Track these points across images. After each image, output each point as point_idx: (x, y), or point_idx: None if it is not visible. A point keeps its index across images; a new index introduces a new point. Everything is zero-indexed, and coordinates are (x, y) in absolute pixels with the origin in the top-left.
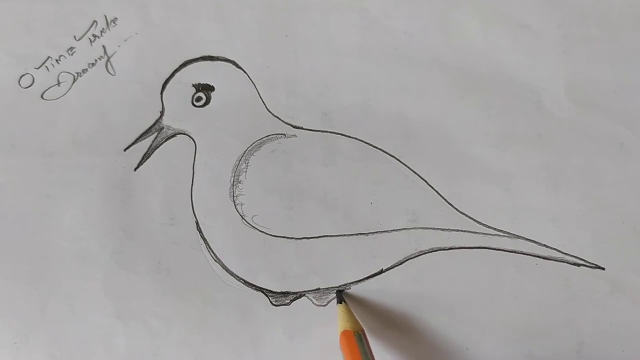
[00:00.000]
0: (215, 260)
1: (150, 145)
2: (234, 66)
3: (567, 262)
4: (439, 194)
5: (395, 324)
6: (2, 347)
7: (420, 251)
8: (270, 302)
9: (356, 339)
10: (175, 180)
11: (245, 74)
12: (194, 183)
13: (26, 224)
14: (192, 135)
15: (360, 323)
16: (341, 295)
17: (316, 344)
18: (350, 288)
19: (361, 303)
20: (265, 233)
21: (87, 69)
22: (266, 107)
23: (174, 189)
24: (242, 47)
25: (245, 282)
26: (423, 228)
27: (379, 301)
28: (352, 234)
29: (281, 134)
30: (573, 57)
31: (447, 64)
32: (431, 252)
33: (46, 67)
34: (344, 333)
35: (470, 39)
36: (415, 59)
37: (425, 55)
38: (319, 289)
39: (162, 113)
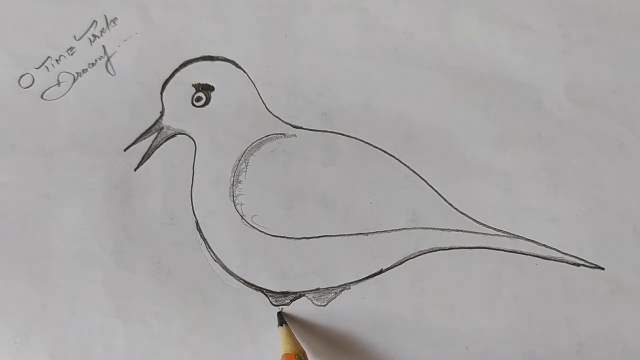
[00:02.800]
0: (216, 261)
1: (151, 146)
2: (234, 66)
3: (567, 262)
4: (439, 194)
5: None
6: (3, 347)
7: (420, 251)
8: (270, 302)
9: None
10: (176, 181)
11: (245, 74)
12: (194, 183)
13: (26, 224)
14: (192, 136)
15: (302, 345)
16: (282, 317)
17: (316, 344)
18: (350, 288)
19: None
20: (265, 233)
21: (87, 69)
22: (266, 107)
23: (174, 189)
24: (242, 47)
25: (245, 282)
26: (423, 228)
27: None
28: (352, 234)
29: (281, 134)
30: (573, 57)
31: (447, 64)
32: (431, 252)
33: (46, 67)
34: (285, 357)
35: (470, 39)
36: (415, 59)
37: (425, 56)
38: (319, 289)
39: (162, 113)
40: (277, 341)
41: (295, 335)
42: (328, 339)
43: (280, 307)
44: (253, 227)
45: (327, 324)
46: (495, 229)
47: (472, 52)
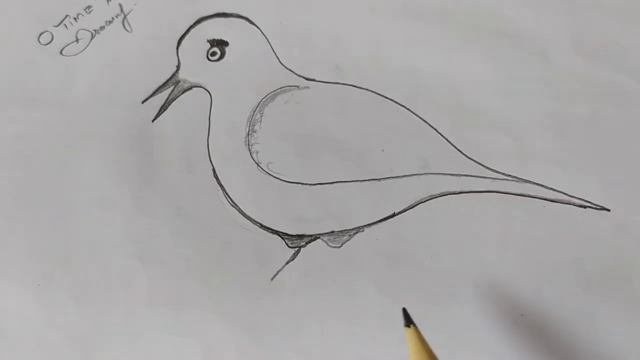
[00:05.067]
0: (232, 206)
1: (167, 98)
2: (247, 22)
3: (574, 204)
4: (448, 141)
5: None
6: (27, 288)
7: (431, 195)
8: (286, 244)
9: None
10: (192, 131)
11: (258, 30)
12: (210, 133)
13: (49, 172)
14: (207, 88)
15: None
16: (409, 316)
17: (330, 284)
18: (363, 230)
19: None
20: (280, 179)
21: (104, 27)
22: (279, 60)
23: (191, 139)
24: (255, 3)
25: (262, 226)
26: (434, 174)
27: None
28: (364, 180)
29: (294, 86)
30: (578, 9)
31: (455, 18)
32: (441, 196)
33: (64, 25)
34: None
35: None
36: (424, 13)
37: (433, 9)
38: (333, 231)
39: (178, 67)
40: (298, 280)
41: (311, 276)
42: (343, 279)
43: (297, 247)
44: (268, 173)
45: (340, 265)
46: (503, 174)
47: (479, 5)
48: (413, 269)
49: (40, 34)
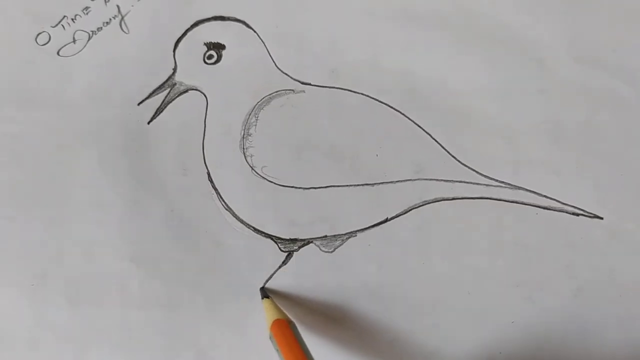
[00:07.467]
0: (226, 209)
1: (163, 100)
2: (244, 26)
3: (567, 212)
4: (442, 147)
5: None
6: (20, 288)
7: (424, 201)
8: (279, 248)
9: (291, 327)
10: (187, 134)
11: (255, 34)
12: (205, 136)
13: (43, 173)
14: (203, 91)
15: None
16: (265, 291)
17: (322, 288)
18: (356, 235)
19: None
20: (275, 183)
21: (101, 28)
22: (275, 64)
23: (186, 142)
24: (252, 6)
25: (255, 230)
26: (427, 179)
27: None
28: (358, 185)
29: (290, 89)
30: (575, 15)
31: (452, 22)
32: (435, 202)
33: (62, 25)
34: (277, 322)
35: None
36: (422, 17)
37: (431, 13)
38: (325, 236)
39: (174, 70)
40: (291, 285)
41: (301, 284)
42: (334, 283)
43: (290, 251)
44: (262, 177)
45: (333, 269)
46: (497, 180)
47: (477, 11)
48: (405, 275)
49: (38, 35)
